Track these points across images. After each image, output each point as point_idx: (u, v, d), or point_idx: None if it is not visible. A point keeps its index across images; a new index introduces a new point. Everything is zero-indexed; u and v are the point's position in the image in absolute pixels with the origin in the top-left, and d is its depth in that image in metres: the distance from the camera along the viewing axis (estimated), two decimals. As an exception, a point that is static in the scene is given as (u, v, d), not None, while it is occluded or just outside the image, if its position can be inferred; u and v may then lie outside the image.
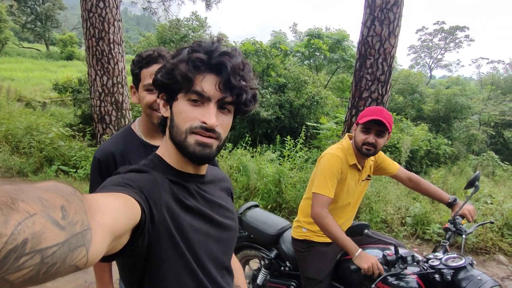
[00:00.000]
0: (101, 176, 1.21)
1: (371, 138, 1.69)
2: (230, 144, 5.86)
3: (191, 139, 0.76)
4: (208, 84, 0.75)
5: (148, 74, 1.20)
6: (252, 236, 2.13)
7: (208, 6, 12.05)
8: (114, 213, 0.52)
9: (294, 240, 1.93)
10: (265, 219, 2.15)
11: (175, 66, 0.75)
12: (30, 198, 0.37)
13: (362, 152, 1.74)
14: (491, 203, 4.51)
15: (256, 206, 2.33)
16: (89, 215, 0.45)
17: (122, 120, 6.07)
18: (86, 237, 0.43)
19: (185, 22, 18.93)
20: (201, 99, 0.76)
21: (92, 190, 1.23)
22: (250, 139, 6.31)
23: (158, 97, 0.83)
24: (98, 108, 5.93)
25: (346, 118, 4.64)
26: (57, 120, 9.47)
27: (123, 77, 6.05)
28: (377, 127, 1.67)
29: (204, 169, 0.88)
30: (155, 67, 1.18)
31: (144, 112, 1.26)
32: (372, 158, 1.90)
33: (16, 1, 29.45)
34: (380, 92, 4.85)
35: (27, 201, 0.36)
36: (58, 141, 5.97)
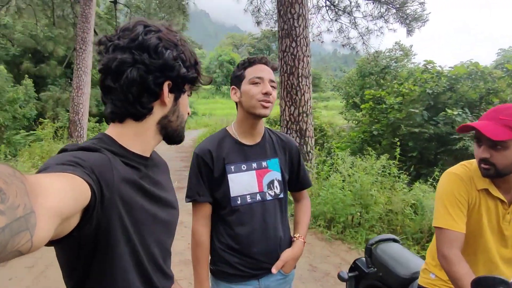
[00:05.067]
0: (199, 170, 1.37)
1: (482, 152, 1.21)
2: (405, 174, 5.05)
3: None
4: None
5: (253, 71, 1.34)
6: (380, 274, 1.74)
7: (409, 32, 11.25)
8: (59, 195, 0.49)
9: None
10: (400, 257, 1.71)
11: (198, 62, 0.85)
12: None
13: (481, 172, 1.21)
14: None
15: (395, 240, 1.90)
16: (31, 197, 0.42)
17: (305, 146, 6.47)
18: (30, 221, 0.40)
19: (387, 53, 18.45)
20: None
21: (190, 184, 1.38)
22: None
23: (159, 83, 0.79)
24: (285, 135, 6.62)
25: None
26: None
27: (308, 107, 6.51)
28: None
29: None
30: (258, 66, 1.35)
31: (245, 105, 1.35)
32: None
33: (251, 55, 37.86)
34: None
35: None
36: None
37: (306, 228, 1.54)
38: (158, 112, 0.82)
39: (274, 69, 1.38)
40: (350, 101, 16.80)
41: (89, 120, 10.51)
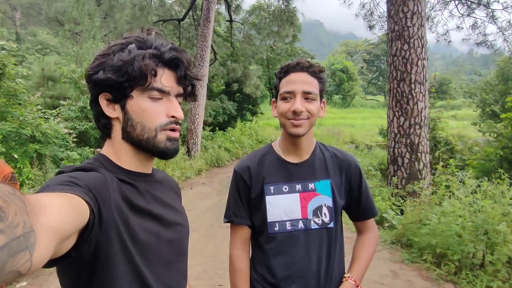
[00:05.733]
0: (237, 188, 1.24)
1: None
2: None
3: (162, 136, 0.77)
4: (167, 79, 0.77)
5: (285, 83, 1.14)
6: None
7: None
8: (59, 214, 0.49)
9: None
10: None
11: (127, 63, 0.73)
12: None
13: None
14: None
15: None
16: (31, 216, 0.41)
17: (416, 163, 5.60)
18: (29, 240, 0.40)
19: (542, 50, 14.68)
20: (162, 95, 0.77)
21: (228, 203, 1.26)
22: None
23: (94, 97, 0.78)
24: (392, 149, 5.87)
25: None
26: (371, 160, 10.51)
27: (422, 118, 5.63)
28: None
29: (151, 168, 0.86)
30: (291, 76, 1.14)
31: (280, 123, 1.19)
32: None
33: (366, 62, 35.99)
34: None
35: None
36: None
37: (363, 268, 1.22)
38: (116, 126, 0.79)
39: (316, 72, 1.13)
40: (487, 109, 14.04)
41: (203, 129, 11.62)
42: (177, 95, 0.80)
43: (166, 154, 0.78)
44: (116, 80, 0.73)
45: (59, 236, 0.47)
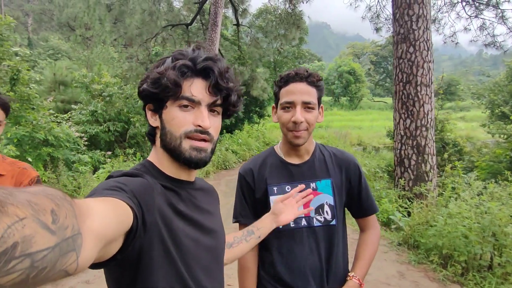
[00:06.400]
0: (241, 189, 1.31)
1: None
2: None
3: (186, 145, 0.78)
4: (196, 88, 0.77)
5: (285, 93, 1.20)
6: None
7: None
8: (104, 218, 0.51)
9: None
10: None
11: (161, 75, 0.75)
12: (19, 201, 0.36)
13: None
14: None
15: None
16: (79, 220, 0.44)
17: (423, 165, 5.60)
18: (77, 242, 0.42)
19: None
20: (191, 104, 0.78)
21: (235, 204, 1.33)
22: None
23: (143, 109, 0.85)
24: (398, 151, 5.88)
25: None
26: (378, 162, 10.50)
27: (428, 120, 5.64)
28: None
29: (194, 176, 0.88)
30: (291, 86, 1.19)
31: (281, 131, 1.26)
32: None
33: (373, 64, 35.84)
34: None
35: (17, 204, 0.36)
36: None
37: (365, 266, 1.27)
38: (158, 135, 0.83)
39: (314, 82, 1.18)
40: (496, 111, 13.87)
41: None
42: (212, 105, 0.80)
43: (190, 163, 0.79)
44: (151, 91, 0.77)
45: (104, 240, 0.50)
